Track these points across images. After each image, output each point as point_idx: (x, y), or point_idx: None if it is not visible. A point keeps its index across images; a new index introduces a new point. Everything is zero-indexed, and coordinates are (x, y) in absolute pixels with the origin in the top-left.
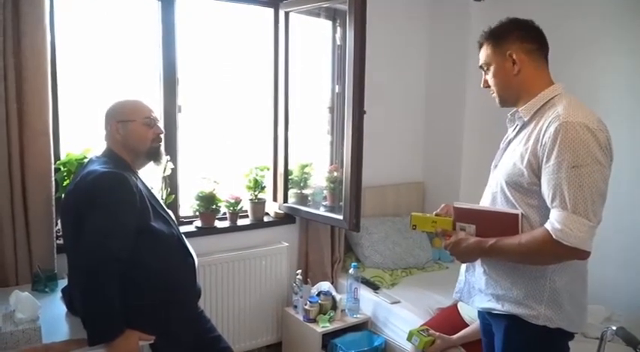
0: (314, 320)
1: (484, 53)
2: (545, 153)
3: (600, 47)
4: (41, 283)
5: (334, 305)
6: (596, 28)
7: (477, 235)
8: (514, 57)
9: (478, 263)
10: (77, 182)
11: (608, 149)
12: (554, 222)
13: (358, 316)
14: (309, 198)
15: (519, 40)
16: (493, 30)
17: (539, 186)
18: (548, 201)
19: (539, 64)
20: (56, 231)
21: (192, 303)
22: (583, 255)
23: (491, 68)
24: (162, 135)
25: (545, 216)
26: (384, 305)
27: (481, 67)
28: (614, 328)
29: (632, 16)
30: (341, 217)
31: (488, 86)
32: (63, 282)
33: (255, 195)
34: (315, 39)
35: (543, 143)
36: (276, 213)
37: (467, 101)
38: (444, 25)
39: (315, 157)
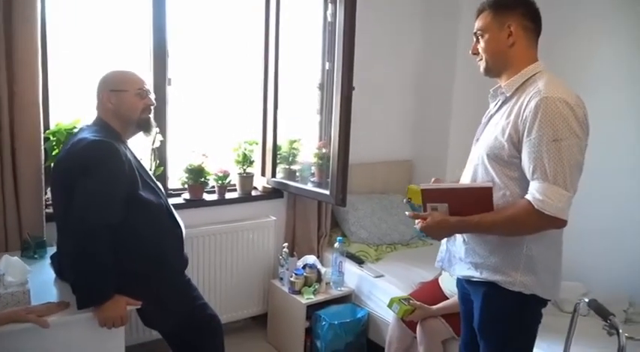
0: (299, 292)
1: (483, 20)
2: (526, 127)
3: (591, 30)
4: (30, 250)
5: (319, 278)
6: (588, 12)
7: (451, 213)
8: (512, 29)
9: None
10: (67, 149)
11: (585, 124)
12: (535, 192)
13: (342, 289)
14: (297, 174)
15: (521, 16)
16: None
17: (519, 158)
18: (528, 174)
19: (531, 44)
20: (45, 200)
21: (180, 271)
22: (561, 223)
23: (486, 36)
24: (152, 107)
25: (525, 188)
26: (368, 278)
27: (475, 33)
28: (587, 300)
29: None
30: (328, 192)
31: (477, 53)
32: (52, 250)
33: (244, 170)
34: (306, 15)
35: (524, 117)
36: (264, 187)
37: (455, 82)
38: (437, 4)
39: (304, 133)
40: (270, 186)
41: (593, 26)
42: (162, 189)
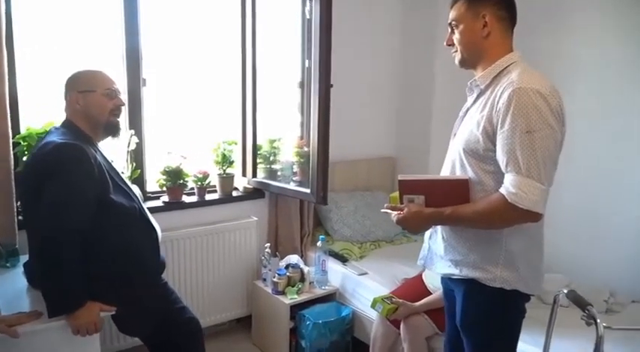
0: (282, 293)
1: (457, 10)
2: (500, 119)
3: (573, 21)
4: (2, 258)
5: (302, 278)
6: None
7: (427, 205)
8: (486, 19)
9: (439, 230)
10: (34, 153)
11: (560, 114)
12: (509, 186)
13: (326, 288)
14: (279, 173)
15: (495, 6)
16: None
17: (495, 152)
18: (502, 166)
19: (506, 34)
20: (17, 207)
21: (156, 275)
22: (536, 217)
23: (460, 27)
24: (122, 107)
25: (501, 181)
26: (351, 276)
27: (450, 24)
28: (566, 291)
29: None
30: (309, 191)
31: (451, 45)
32: (25, 258)
33: (224, 170)
34: (285, 13)
35: (498, 109)
36: (245, 187)
37: (435, 77)
38: (416, 1)
39: (285, 132)
40: (251, 187)
41: (584, 19)
42: (136, 192)
